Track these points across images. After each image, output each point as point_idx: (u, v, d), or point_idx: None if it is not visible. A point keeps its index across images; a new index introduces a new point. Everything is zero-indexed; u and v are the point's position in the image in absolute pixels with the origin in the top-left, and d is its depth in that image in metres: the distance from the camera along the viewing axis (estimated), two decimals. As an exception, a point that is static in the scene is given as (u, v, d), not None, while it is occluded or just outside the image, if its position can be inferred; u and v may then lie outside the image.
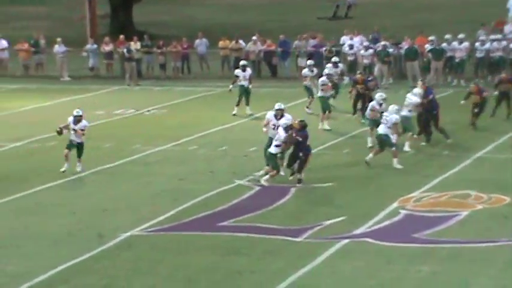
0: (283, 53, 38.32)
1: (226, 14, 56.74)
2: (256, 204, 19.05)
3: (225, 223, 17.82)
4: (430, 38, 35.57)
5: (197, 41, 39.31)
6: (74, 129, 21.55)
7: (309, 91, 28.80)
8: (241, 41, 38.36)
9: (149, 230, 17.53)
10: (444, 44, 35.46)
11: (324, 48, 36.89)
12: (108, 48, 39.44)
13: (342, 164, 22.33)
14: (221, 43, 38.98)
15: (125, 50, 37.65)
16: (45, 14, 58.16)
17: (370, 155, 21.79)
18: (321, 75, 27.51)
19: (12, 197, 19.95)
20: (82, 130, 21.52)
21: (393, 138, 21.55)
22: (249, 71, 29.37)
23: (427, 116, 23.97)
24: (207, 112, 30.07)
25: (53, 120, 28.98)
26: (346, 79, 32.18)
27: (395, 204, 18.76)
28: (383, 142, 21.52)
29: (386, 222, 17.73)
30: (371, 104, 23.53)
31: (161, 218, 18.22)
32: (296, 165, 20.16)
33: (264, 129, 21.09)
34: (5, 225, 17.94)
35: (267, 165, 20.27)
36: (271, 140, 20.73)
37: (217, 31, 42.58)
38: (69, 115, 30.18)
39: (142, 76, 38.34)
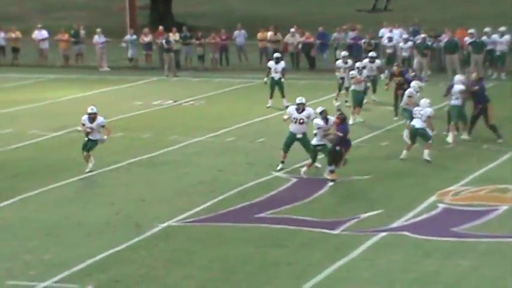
0: (322, 45, 38.23)
1: (265, 5, 56.65)
2: (294, 196, 19.03)
3: (262, 215, 17.82)
4: (470, 31, 35.30)
5: (236, 33, 39.34)
6: (90, 128, 20.81)
7: (340, 83, 28.79)
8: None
9: (186, 220, 17.57)
10: (484, 37, 35.18)
11: (363, 41, 36.75)
12: (147, 39, 39.57)
13: (379, 156, 22.24)
14: (259, 35, 38.97)
15: (163, 41, 37.76)
16: (85, 4, 58.44)
17: (404, 151, 21.67)
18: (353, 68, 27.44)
19: (52, 186, 20.08)
20: (103, 127, 20.94)
21: (429, 132, 21.46)
22: (282, 64, 29.24)
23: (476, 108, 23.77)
24: (245, 104, 30.09)
25: (92, 111, 29.19)
26: (386, 73, 32.04)
27: (433, 198, 18.66)
28: (420, 136, 21.41)
29: (424, 216, 17.64)
30: (408, 91, 23.50)
31: (198, 209, 18.26)
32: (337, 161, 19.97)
33: (285, 117, 21.08)
34: (44, 215, 18.07)
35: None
36: (292, 134, 20.71)
37: (256, 23, 42.53)
38: (109, 105, 30.43)
39: (180, 67, 38.42)
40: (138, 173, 21.37)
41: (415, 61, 35.04)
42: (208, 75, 37.23)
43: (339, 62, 29.51)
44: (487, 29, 35.35)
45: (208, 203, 18.61)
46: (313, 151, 20.15)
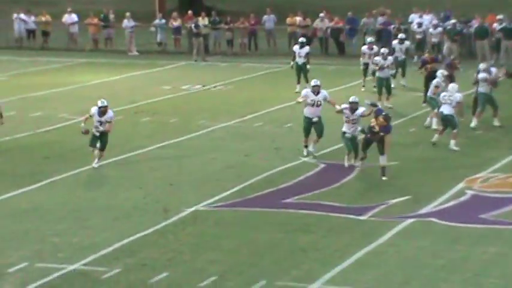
0: (351, 31, 38.14)
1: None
2: (321, 181, 19.02)
3: (289, 200, 17.83)
4: (499, 16, 35.08)
5: (265, 17, 39.32)
6: (99, 121, 19.91)
7: (363, 68, 28.72)
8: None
9: (214, 205, 17.61)
10: (515, 23, 35.02)
11: (393, 26, 36.61)
12: (176, 23, 39.63)
13: (407, 143, 22.15)
14: (289, 20, 38.93)
15: (192, 26, 37.80)
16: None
17: (436, 135, 21.60)
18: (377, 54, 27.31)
19: (81, 169, 20.18)
20: (109, 122, 19.96)
21: (457, 119, 21.36)
22: (306, 48, 29.15)
23: None
24: (273, 89, 30.07)
25: (120, 94, 29.33)
26: (415, 58, 31.93)
27: (461, 185, 18.59)
28: (448, 122, 21.31)
29: (452, 203, 17.59)
30: (435, 81, 23.36)
31: (225, 193, 18.29)
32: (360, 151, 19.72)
33: (300, 99, 20.92)
34: (72, 198, 18.17)
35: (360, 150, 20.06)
36: (307, 119, 20.59)
37: (285, 7, 42.46)
38: (137, 89, 30.52)
39: (209, 52, 38.47)
40: (166, 158, 21.42)
41: (445, 47, 34.90)
42: (236, 60, 37.24)
43: (364, 48, 29.46)
44: None
45: (236, 188, 18.64)
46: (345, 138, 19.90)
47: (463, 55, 35.03)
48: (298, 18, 38.72)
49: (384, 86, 26.18)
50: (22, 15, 41.14)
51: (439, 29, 35.69)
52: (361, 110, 19.55)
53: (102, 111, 19.94)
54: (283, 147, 21.72)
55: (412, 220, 16.51)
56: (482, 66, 24.10)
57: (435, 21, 36.24)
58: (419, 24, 36.46)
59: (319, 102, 20.59)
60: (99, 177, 19.76)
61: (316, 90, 20.69)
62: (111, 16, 40.76)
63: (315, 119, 20.60)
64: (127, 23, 39.55)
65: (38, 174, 19.67)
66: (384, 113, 19.17)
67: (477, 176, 19.27)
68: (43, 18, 41.22)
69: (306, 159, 20.75)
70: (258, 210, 17.26)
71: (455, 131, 21.33)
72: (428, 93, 23.66)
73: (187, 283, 13.65)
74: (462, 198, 17.85)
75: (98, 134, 19.85)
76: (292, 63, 29.20)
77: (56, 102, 28.20)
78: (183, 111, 26.62)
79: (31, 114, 26.34)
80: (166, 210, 17.18)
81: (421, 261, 14.49)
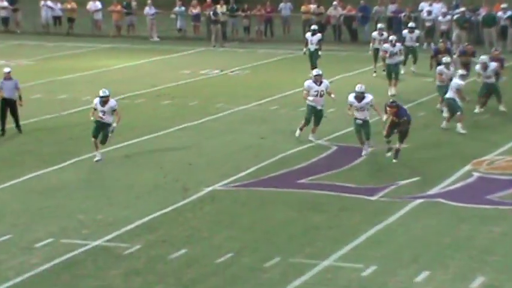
0: (363, 18, 38.06)
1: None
2: (333, 163, 19.01)
3: (303, 180, 17.83)
4: (503, 5, 34.97)
5: (281, 5, 39.31)
6: (102, 111, 18.86)
7: (375, 54, 28.66)
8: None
9: (231, 185, 17.63)
10: (522, 10, 34.91)
11: (403, 14, 36.49)
12: (195, 10, 39.64)
13: (416, 127, 21.99)
14: (303, 7, 38.88)
15: (211, 13, 37.80)
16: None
17: (444, 122, 21.53)
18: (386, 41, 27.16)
19: (104, 150, 20.20)
20: (114, 111, 18.91)
21: (459, 103, 21.26)
22: (318, 35, 29.07)
23: None
24: (288, 74, 30.02)
25: (142, 79, 29.37)
26: (425, 45, 31.82)
27: (468, 167, 18.54)
28: (450, 106, 21.26)
29: (460, 184, 17.55)
30: (438, 68, 23.28)
31: (242, 174, 18.31)
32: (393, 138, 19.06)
33: (311, 98, 20.43)
34: (96, 177, 18.24)
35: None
36: (312, 108, 20.42)
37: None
38: (158, 73, 30.55)
39: (227, 38, 38.45)
40: (185, 139, 21.45)
41: (454, 34, 34.76)
42: (253, 46, 37.20)
43: (375, 34, 29.51)
44: None
45: (252, 169, 18.66)
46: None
47: (471, 42, 34.85)
48: (312, 6, 38.64)
49: (392, 71, 26.09)
50: (49, 3, 41.24)
51: (448, 17, 35.55)
52: (368, 98, 19.15)
53: (104, 101, 18.82)
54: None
55: (420, 200, 16.49)
56: (482, 58, 23.84)
57: (444, 10, 36.14)
58: (429, 12, 36.32)
59: (322, 92, 20.50)
60: (122, 157, 19.80)
61: (318, 80, 20.55)
62: (134, 3, 40.78)
63: (319, 107, 20.53)
64: (148, 10, 39.57)
65: (63, 154, 19.74)
66: (390, 102, 18.76)
67: (483, 158, 19.22)
68: (69, 6, 41.29)
69: (319, 141, 20.72)
70: (273, 190, 17.28)
71: (458, 113, 21.25)
72: (437, 82, 23.56)
73: (205, 259, 13.68)
74: (469, 180, 17.81)
75: (97, 125, 18.87)
76: (305, 49, 29.16)
77: (80, 86, 28.27)
78: (201, 95, 26.64)
79: (57, 97, 26.43)
80: (185, 189, 17.22)
81: (428, 239, 14.48)
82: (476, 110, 23.34)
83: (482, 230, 14.93)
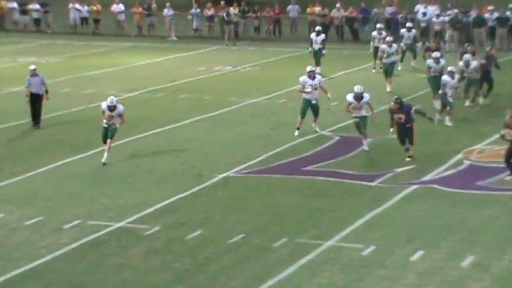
0: (364, 19, 37.97)
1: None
2: (336, 152, 18.96)
3: (308, 168, 17.80)
4: (490, 7, 34.90)
5: (290, 7, 39.26)
6: (111, 116, 18.14)
7: (375, 52, 28.54)
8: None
9: (242, 171, 17.61)
10: (508, 13, 34.75)
11: (400, 15, 36.39)
12: (210, 12, 39.59)
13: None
14: (309, 9, 38.79)
15: (224, 14, 37.74)
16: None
17: (437, 114, 21.41)
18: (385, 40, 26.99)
19: (127, 140, 20.23)
20: (120, 116, 18.16)
21: (449, 99, 21.13)
22: (322, 36, 28.97)
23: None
24: (295, 70, 29.79)
25: (161, 74, 29.35)
26: (420, 44, 31.68)
27: (460, 155, 18.48)
28: (442, 100, 21.23)
29: (452, 171, 17.49)
30: (428, 61, 23.22)
31: (253, 161, 18.28)
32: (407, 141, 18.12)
33: (308, 89, 20.21)
34: (120, 164, 18.25)
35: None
36: (307, 101, 20.21)
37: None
38: (176, 70, 30.51)
39: (239, 37, 38.39)
40: (201, 130, 21.43)
41: (447, 34, 34.73)
42: (263, 44, 37.12)
43: (374, 33, 29.51)
44: (511, 5, 34.94)
45: (262, 157, 18.63)
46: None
47: (463, 41, 34.76)
48: (317, 8, 38.54)
49: (388, 70, 25.94)
50: (77, 5, 41.24)
51: (441, 18, 35.47)
52: (366, 98, 18.65)
53: (111, 109, 18.07)
54: (304, 122, 21.60)
55: (416, 186, 16.44)
56: (466, 57, 23.63)
57: (437, 12, 36.09)
58: (424, 14, 36.19)
59: (316, 86, 20.37)
60: (143, 146, 19.80)
61: (312, 75, 20.40)
62: (154, 6, 40.72)
63: (314, 101, 20.40)
64: (167, 11, 39.53)
65: (90, 143, 19.73)
66: (394, 99, 18.26)
67: (474, 147, 19.15)
68: (94, 8, 41.26)
69: (323, 132, 20.67)
70: (281, 176, 17.25)
71: (447, 108, 21.14)
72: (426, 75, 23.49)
73: (218, 239, 13.67)
74: (460, 167, 17.75)
75: (106, 125, 18.16)
76: (310, 48, 29.08)
77: (105, 81, 28.27)
78: (216, 90, 26.60)
79: (84, 92, 26.42)
80: (200, 176, 17.20)
81: (423, 221, 14.44)
82: (467, 104, 23.25)
83: (473, 213, 14.88)
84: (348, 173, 17.34)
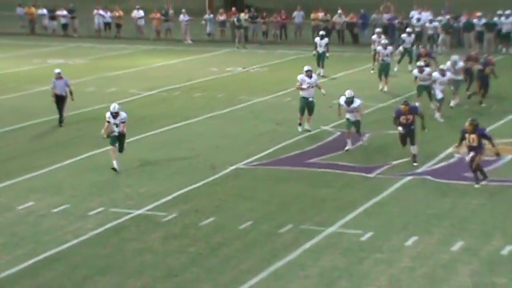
0: (363, 24, 37.86)
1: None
2: (338, 146, 18.90)
3: (312, 160, 17.77)
4: (478, 14, 34.77)
5: (295, 13, 39.14)
6: (115, 124, 17.03)
7: (374, 54, 28.42)
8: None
9: (251, 164, 17.59)
10: (496, 18, 34.64)
11: (396, 21, 36.29)
12: (222, 17, 39.52)
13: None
14: (312, 15, 38.69)
15: (235, 20, 37.68)
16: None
17: (437, 114, 21.21)
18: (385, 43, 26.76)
19: (146, 134, 20.26)
20: (123, 123, 17.06)
21: (439, 94, 21.01)
22: (326, 40, 28.87)
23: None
24: (300, 71, 29.53)
25: (177, 75, 29.34)
26: (414, 48, 31.52)
27: (450, 149, 18.39)
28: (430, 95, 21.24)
29: (443, 163, 17.44)
30: (413, 72, 22.62)
31: (261, 154, 18.26)
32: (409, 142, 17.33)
33: (304, 86, 19.97)
34: (139, 156, 18.24)
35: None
36: (304, 99, 20.00)
37: (309, 5, 42.13)
38: (191, 71, 30.50)
39: (248, 41, 38.31)
40: (214, 125, 21.42)
41: (440, 38, 34.62)
42: (270, 47, 37.06)
43: (374, 37, 29.45)
44: (500, 12, 34.84)
45: (269, 150, 18.61)
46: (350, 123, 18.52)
47: (454, 45, 34.68)
48: (320, 14, 38.45)
49: (383, 71, 25.79)
50: (101, 11, 41.26)
51: (434, 23, 35.37)
52: (356, 103, 18.08)
53: (115, 116, 16.99)
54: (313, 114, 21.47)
55: (410, 177, 16.40)
56: (453, 57, 23.48)
57: (430, 17, 35.99)
58: (418, 20, 36.07)
59: (312, 84, 20.23)
60: (161, 140, 19.80)
61: (309, 75, 20.24)
62: (171, 12, 40.69)
63: (310, 99, 20.29)
64: (183, 17, 39.49)
65: (112, 137, 19.74)
66: (403, 101, 17.44)
67: (463, 142, 19.02)
68: (117, 14, 41.27)
69: (325, 127, 20.63)
70: (287, 168, 17.22)
71: (437, 104, 21.08)
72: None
73: (230, 226, 13.67)
74: (451, 160, 17.69)
75: (116, 134, 17.03)
76: (314, 52, 29.00)
77: (126, 81, 28.27)
78: (227, 88, 26.57)
79: (107, 90, 26.43)
80: (213, 167, 17.19)
81: (417, 210, 14.41)
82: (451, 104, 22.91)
83: (462, 202, 14.84)
84: (348, 165, 17.30)
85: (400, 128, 17.18)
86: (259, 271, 11.80)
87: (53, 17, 42.18)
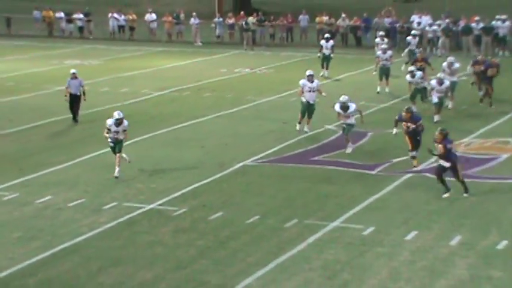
0: (366, 28, 37.79)
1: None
2: (341, 144, 18.85)
3: (316, 158, 17.75)
4: (476, 18, 34.67)
5: (301, 17, 39.11)
6: (116, 132, 16.31)
7: (377, 57, 28.31)
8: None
9: (258, 161, 17.58)
10: (493, 22, 34.58)
11: (398, 25, 36.24)
12: (231, 21, 39.50)
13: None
14: (317, 19, 38.63)
15: (243, 23, 37.65)
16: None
17: (436, 116, 21.04)
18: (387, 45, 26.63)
19: (158, 132, 20.27)
20: (124, 131, 16.40)
21: (434, 99, 20.91)
22: (331, 42, 28.76)
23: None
24: (305, 72, 29.79)
25: (188, 75, 29.34)
26: (417, 50, 31.43)
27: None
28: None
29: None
30: (406, 77, 22.40)
31: (268, 152, 18.25)
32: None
33: (307, 90, 19.75)
34: (151, 154, 18.26)
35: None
36: (306, 102, 19.81)
37: (314, 9, 42.09)
38: (201, 72, 30.49)
39: (256, 43, 38.28)
40: (222, 124, 21.42)
41: (440, 41, 34.56)
42: (277, 49, 37.02)
43: (378, 40, 29.37)
44: (498, 16, 34.78)
45: (276, 148, 18.60)
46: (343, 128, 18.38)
47: (452, 48, 34.60)
48: (325, 18, 38.39)
49: (383, 74, 25.63)
50: (115, 15, 41.28)
51: (434, 27, 35.31)
52: (352, 108, 17.82)
53: (119, 122, 16.27)
54: (312, 118, 21.51)
55: (410, 175, 16.36)
56: (449, 59, 23.35)
57: (430, 21, 35.94)
58: (418, 23, 35.99)
59: (314, 89, 20.12)
60: (171, 138, 19.81)
61: (311, 79, 20.07)
62: (182, 15, 40.70)
63: (312, 102, 20.15)
64: (193, 20, 39.48)
65: (125, 135, 19.75)
66: (406, 108, 16.92)
67: (462, 140, 19.03)
68: (130, 17, 41.29)
69: (329, 127, 20.59)
70: (292, 165, 17.21)
71: (434, 108, 20.98)
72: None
73: (237, 220, 13.67)
74: (450, 158, 17.60)
75: (112, 144, 16.41)
76: (319, 54, 28.93)
77: (139, 81, 28.28)
78: (235, 89, 26.56)
79: (121, 90, 26.46)
80: (222, 164, 17.19)
81: (416, 206, 14.37)
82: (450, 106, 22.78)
83: (460, 198, 14.80)
84: (351, 162, 17.28)
85: (394, 131, 16.91)
86: (265, 263, 11.79)
87: (69, 20, 42.23)
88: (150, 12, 40.99)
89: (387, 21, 37.27)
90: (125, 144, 16.92)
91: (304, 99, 20.06)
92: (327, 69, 28.44)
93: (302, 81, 20.27)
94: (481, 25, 34.46)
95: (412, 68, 22.62)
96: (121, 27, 41.35)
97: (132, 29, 41.05)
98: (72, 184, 15.90)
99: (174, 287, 11.14)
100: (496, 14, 35.24)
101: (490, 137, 19.44)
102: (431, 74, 23.20)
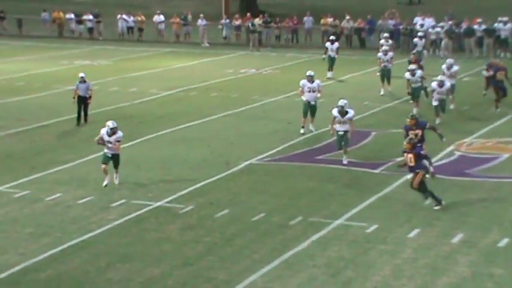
0: (370, 29, 37.73)
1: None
2: (345, 143, 18.83)
3: (320, 157, 17.74)
4: (478, 20, 34.62)
5: (305, 18, 39.07)
6: (109, 142, 15.30)
7: (378, 59, 28.22)
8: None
9: (264, 160, 17.57)
10: (496, 24, 34.50)
11: (401, 27, 36.18)
12: (237, 22, 39.50)
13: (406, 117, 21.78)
14: (322, 20, 38.59)
15: (250, 24, 37.64)
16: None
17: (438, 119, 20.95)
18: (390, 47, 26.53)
19: (165, 131, 20.28)
20: (118, 142, 15.33)
21: (434, 102, 20.83)
22: (336, 44, 28.70)
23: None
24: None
25: (195, 75, 29.35)
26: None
27: (451, 147, 18.33)
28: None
29: (444, 161, 17.36)
30: (405, 75, 22.39)
31: (273, 151, 18.25)
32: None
33: (303, 98, 19.69)
34: (158, 153, 18.27)
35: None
36: (307, 102, 19.73)
37: (319, 11, 42.06)
38: (207, 72, 30.49)
39: (262, 44, 38.27)
40: (228, 123, 21.41)
41: (443, 42, 34.52)
42: (282, 51, 36.99)
43: (382, 41, 29.29)
44: (500, 18, 34.73)
45: (281, 147, 18.59)
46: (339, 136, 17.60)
47: (455, 49, 34.54)
48: (329, 20, 38.35)
49: (385, 76, 25.51)
50: (124, 16, 41.30)
51: (437, 29, 35.25)
52: (350, 114, 17.13)
53: (113, 131, 15.28)
54: (316, 117, 21.45)
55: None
56: (448, 61, 23.20)
57: (433, 23, 35.91)
58: (422, 25, 35.92)
59: (314, 89, 19.98)
60: (178, 137, 19.82)
61: (310, 80, 19.99)
62: (189, 17, 40.72)
63: (312, 102, 20.08)
64: (201, 21, 39.49)
65: (134, 134, 19.77)
66: (410, 116, 16.38)
67: (464, 140, 19.00)
68: (139, 18, 41.31)
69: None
70: (297, 164, 17.20)
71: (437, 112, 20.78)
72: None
73: (243, 217, 13.67)
74: (452, 158, 17.62)
75: (110, 155, 15.40)
76: (324, 56, 28.87)
77: (147, 81, 28.30)
78: (241, 89, 26.55)
79: (129, 90, 26.47)
80: (228, 163, 17.19)
81: (419, 204, 14.34)
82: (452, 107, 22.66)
83: (462, 197, 14.77)
84: (354, 161, 17.26)
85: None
86: (270, 260, 11.79)
87: (79, 21, 42.29)
88: (159, 14, 41.02)
89: (391, 23, 37.24)
90: (131, 143, 16.96)
91: (304, 99, 20.01)
92: (331, 70, 28.39)
93: (302, 82, 20.25)
94: (483, 27, 34.38)
95: (413, 66, 22.58)
96: (130, 29, 41.37)
97: (140, 30, 41.07)
98: (82, 182, 15.92)
99: (181, 283, 11.15)
100: (498, 16, 35.17)
101: (491, 137, 19.39)
102: (425, 75, 23.12)
